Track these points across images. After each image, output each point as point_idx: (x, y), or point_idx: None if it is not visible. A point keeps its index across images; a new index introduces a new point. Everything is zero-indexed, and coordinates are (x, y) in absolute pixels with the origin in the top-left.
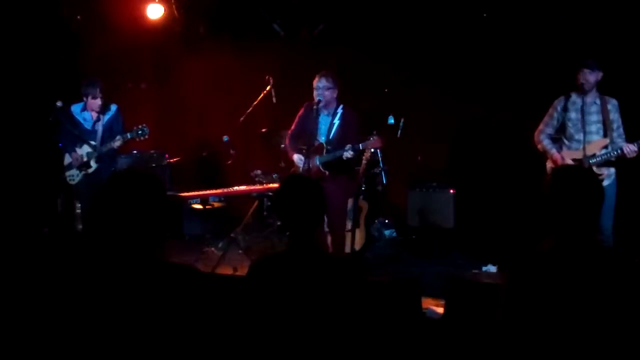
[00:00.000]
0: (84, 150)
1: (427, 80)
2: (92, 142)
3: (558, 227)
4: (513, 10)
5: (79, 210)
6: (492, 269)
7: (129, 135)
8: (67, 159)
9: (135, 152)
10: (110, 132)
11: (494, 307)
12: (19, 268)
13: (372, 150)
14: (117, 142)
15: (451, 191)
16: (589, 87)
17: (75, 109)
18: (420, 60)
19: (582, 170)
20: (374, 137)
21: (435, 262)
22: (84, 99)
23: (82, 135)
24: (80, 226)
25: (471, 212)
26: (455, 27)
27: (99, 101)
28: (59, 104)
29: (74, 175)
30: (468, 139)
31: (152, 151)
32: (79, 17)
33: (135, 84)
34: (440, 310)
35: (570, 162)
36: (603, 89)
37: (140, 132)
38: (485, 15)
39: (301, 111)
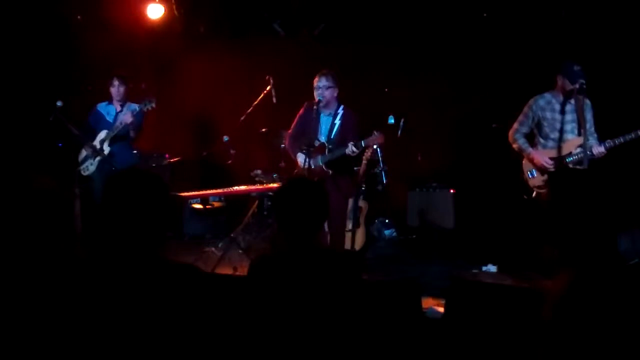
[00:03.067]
0: (97, 139)
1: (427, 80)
2: (106, 130)
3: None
4: (513, 10)
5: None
6: (492, 269)
7: (137, 107)
8: (83, 154)
9: (135, 152)
10: (129, 124)
11: (494, 307)
12: (20, 268)
13: (374, 148)
14: (127, 116)
15: (451, 191)
16: (557, 88)
17: (101, 105)
18: (420, 60)
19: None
20: (376, 133)
21: (435, 262)
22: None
23: (102, 127)
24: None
25: (471, 212)
26: (455, 26)
27: (117, 89)
28: (59, 103)
29: (88, 166)
30: (468, 139)
31: (152, 151)
32: (79, 17)
33: (135, 84)
34: (441, 310)
35: (546, 161)
36: (600, 87)
37: (147, 102)
38: (485, 15)
39: (301, 111)
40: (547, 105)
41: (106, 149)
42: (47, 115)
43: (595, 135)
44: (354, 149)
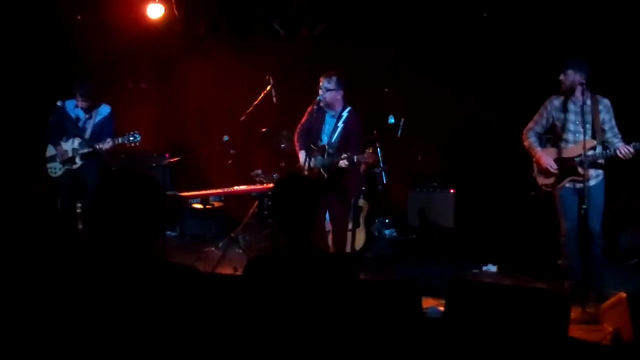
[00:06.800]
0: (69, 145)
1: (427, 80)
2: (84, 137)
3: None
4: (513, 10)
5: (79, 210)
6: (492, 268)
7: (120, 139)
8: (51, 151)
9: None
10: (99, 133)
11: (494, 307)
12: (17, 267)
13: (371, 151)
14: (106, 145)
15: (451, 191)
16: (564, 89)
17: (69, 104)
18: (420, 60)
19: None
20: (368, 152)
21: (435, 262)
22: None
23: (73, 130)
24: (80, 225)
25: (471, 212)
26: (455, 26)
27: (87, 102)
28: (59, 103)
29: (55, 169)
30: (468, 139)
31: (152, 151)
32: (79, 17)
33: (135, 84)
34: (441, 310)
35: (551, 161)
36: (603, 88)
37: (131, 137)
38: (485, 15)
39: (310, 107)
40: (561, 106)
41: (78, 162)
42: (47, 115)
43: (620, 136)
44: (346, 162)
